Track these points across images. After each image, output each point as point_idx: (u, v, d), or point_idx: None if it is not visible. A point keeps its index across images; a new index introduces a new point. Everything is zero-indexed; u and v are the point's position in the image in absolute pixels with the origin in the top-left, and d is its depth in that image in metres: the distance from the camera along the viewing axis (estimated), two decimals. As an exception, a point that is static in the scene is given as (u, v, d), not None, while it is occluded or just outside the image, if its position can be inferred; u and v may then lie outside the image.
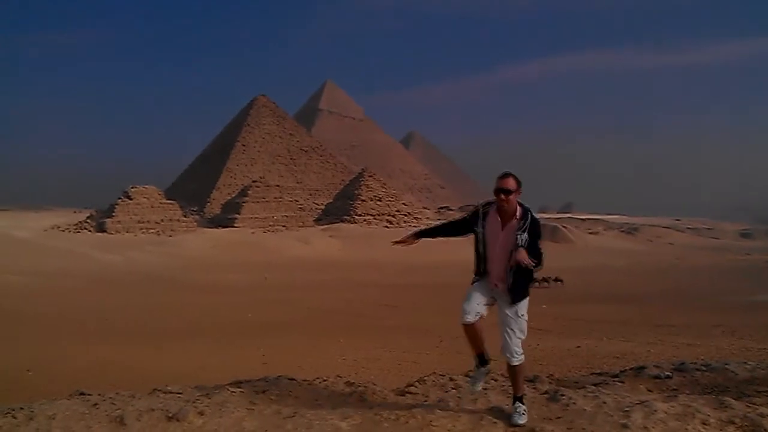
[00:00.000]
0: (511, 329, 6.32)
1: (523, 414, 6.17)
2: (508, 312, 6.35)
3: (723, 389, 7.31)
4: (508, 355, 6.31)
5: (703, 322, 32.37)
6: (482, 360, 6.59)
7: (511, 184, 6.25)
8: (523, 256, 6.08)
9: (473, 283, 6.59)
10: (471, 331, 6.51)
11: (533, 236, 6.26)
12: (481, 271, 6.53)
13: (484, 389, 7.11)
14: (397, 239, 7.16)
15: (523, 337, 6.36)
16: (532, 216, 6.34)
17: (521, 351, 6.33)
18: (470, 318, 6.40)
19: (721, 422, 5.72)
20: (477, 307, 6.42)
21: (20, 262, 63.94)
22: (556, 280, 53.81)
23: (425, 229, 7.25)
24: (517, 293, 6.32)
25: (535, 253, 6.20)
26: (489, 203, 6.47)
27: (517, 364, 6.33)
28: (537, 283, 51.99)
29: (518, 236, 6.22)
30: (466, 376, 7.18)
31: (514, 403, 6.32)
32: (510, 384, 6.73)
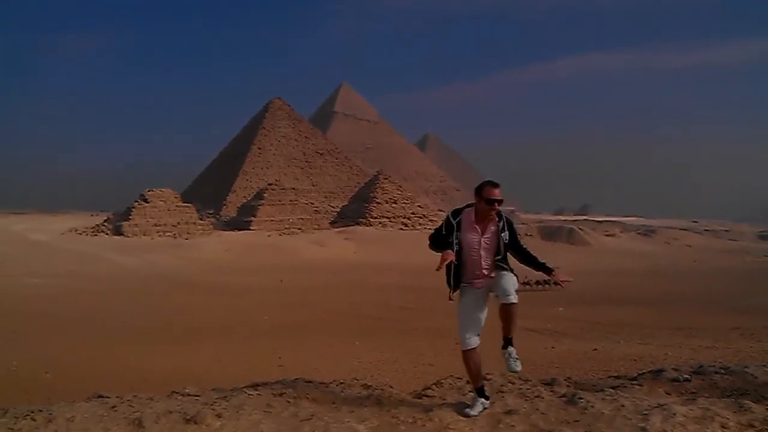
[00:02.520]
0: (509, 280, 6.53)
1: (517, 359, 6.57)
2: (501, 275, 6.58)
3: (742, 392, 7.25)
4: (508, 296, 6.43)
5: (721, 325, 32.11)
6: (482, 392, 6.65)
7: (500, 193, 6.65)
8: (563, 275, 6.73)
9: (460, 296, 6.76)
10: (473, 357, 6.59)
11: (513, 232, 6.73)
12: (454, 281, 6.68)
13: (501, 392, 7.10)
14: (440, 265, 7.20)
15: (517, 286, 6.59)
16: (504, 215, 6.77)
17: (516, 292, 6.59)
18: (474, 343, 6.55)
19: (741, 425, 5.68)
20: (476, 326, 6.60)
21: (38, 265, 64.49)
22: (556, 283, 53.36)
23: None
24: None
25: (518, 246, 6.75)
26: (458, 212, 6.71)
27: (516, 302, 6.52)
28: (540, 286, 51.80)
29: (501, 235, 6.60)
30: (483, 379, 7.15)
31: (507, 346, 6.50)
32: (523, 381, 6.86)
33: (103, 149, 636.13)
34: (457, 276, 6.74)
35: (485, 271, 6.61)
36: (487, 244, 6.63)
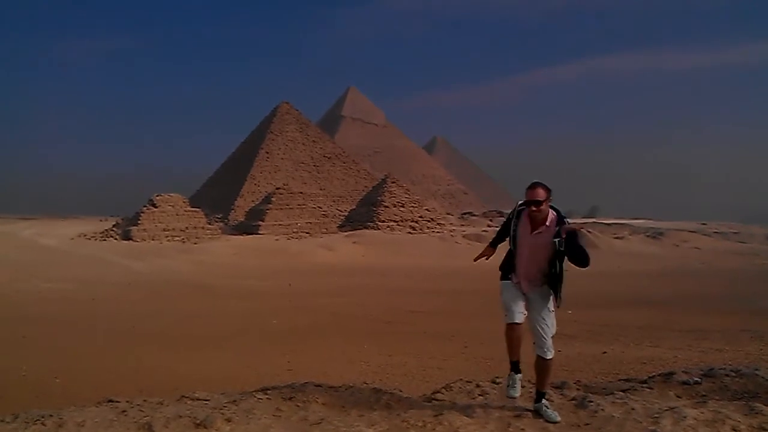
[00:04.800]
0: (546, 324, 6.63)
1: (552, 410, 6.58)
2: (541, 307, 6.60)
3: (753, 395, 7.24)
4: (543, 349, 6.56)
5: (730, 327, 31.93)
6: (516, 367, 6.79)
7: (540, 194, 6.60)
8: (571, 227, 6.59)
9: (503, 280, 6.85)
10: (516, 331, 6.71)
11: (570, 242, 6.54)
12: (508, 266, 6.81)
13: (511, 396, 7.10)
14: (477, 255, 7.45)
15: (554, 332, 6.77)
16: (566, 220, 6.70)
17: (552, 345, 6.73)
18: (519, 318, 6.69)
19: (752, 428, 5.67)
20: (521, 308, 6.67)
21: (48, 270, 64.69)
22: None
23: (494, 239, 7.55)
24: (552, 282, 6.70)
25: (579, 252, 6.51)
26: (525, 203, 6.76)
27: (551, 357, 6.69)
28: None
29: (556, 242, 6.56)
30: (493, 382, 7.20)
31: (540, 400, 6.55)
32: (533, 385, 6.98)
33: (110, 154, 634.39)
34: (510, 264, 6.93)
35: (527, 272, 6.68)
36: (534, 244, 6.69)
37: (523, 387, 7.48)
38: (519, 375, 6.81)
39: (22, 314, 38.36)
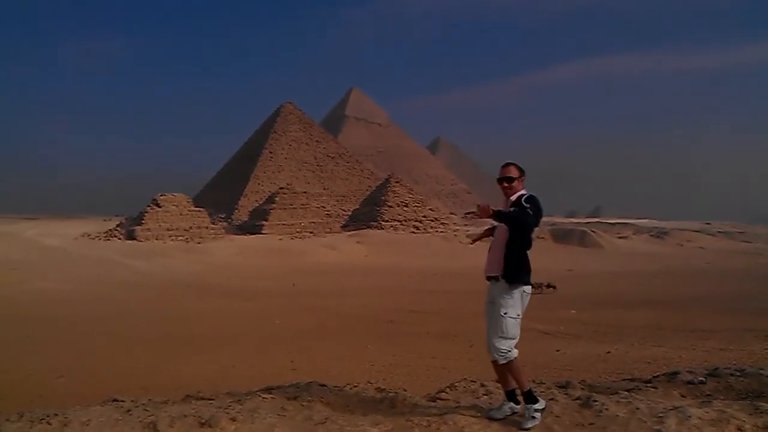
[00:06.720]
0: (492, 328, 6.39)
1: (533, 418, 6.16)
2: (493, 309, 6.37)
3: (758, 395, 7.20)
4: (491, 353, 6.32)
5: (735, 327, 31.85)
6: (511, 396, 6.52)
7: (512, 171, 6.48)
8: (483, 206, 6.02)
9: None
10: (495, 367, 6.54)
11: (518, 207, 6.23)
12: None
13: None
14: (473, 237, 7.27)
15: (502, 335, 6.29)
16: (525, 196, 6.33)
17: (505, 349, 6.26)
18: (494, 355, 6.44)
19: (757, 428, 5.65)
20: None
21: (52, 270, 64.81)
22: (549, 286, 52.25)
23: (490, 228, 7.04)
24: (507, 272, 6.31)
25: (509, 213, 6.19)
26: (497, 180, 6.63)
27: (503, 362, 6.32)
28: (533, 289, 50.82)
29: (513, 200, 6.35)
30: (497, 382, 7.15)
31: (528, 402, 6.27)
32: (537, 384, 6.78)
33: (112, 155, 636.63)
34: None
35: (494, 261, 6.45)
36: (501, 229, 6.46)
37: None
38: (512, 404, 6.44)
39: (27, 314, 38.45)
